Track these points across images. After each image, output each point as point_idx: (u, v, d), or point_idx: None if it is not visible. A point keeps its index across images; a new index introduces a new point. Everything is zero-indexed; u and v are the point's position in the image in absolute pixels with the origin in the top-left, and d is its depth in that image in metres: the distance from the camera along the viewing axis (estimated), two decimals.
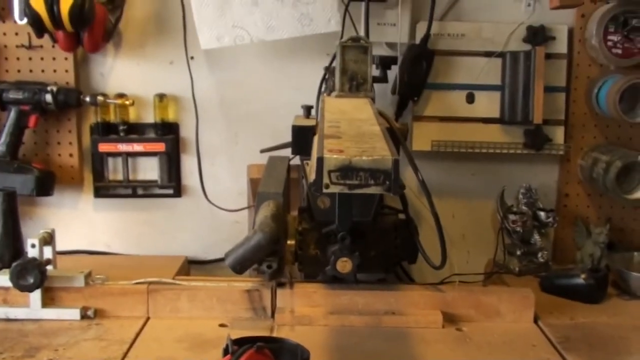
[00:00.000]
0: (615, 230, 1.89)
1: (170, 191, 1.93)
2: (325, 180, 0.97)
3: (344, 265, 1.37)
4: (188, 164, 1.94)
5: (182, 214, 1.96)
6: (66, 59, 1.84)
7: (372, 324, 1.46)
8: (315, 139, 1.26)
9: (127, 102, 1.84)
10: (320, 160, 0.97)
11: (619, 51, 1.81)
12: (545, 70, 1.79)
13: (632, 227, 1.93)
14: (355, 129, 1.18)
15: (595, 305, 1.62)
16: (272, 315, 1.49)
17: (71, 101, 1.81)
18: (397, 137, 1.46)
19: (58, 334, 1.39)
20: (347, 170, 0.97)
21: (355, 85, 1.58)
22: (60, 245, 1.62)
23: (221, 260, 1.62)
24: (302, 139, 1.46)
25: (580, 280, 1.65)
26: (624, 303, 1.65)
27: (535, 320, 1.51)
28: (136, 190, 1.93)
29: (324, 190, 0.98)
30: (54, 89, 1.79)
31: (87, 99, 1.81)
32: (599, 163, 1.81)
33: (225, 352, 1.09)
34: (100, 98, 1.82)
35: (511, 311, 1.51)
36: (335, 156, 0.97)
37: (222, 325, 1.45)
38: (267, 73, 1.90)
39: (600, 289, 1.65)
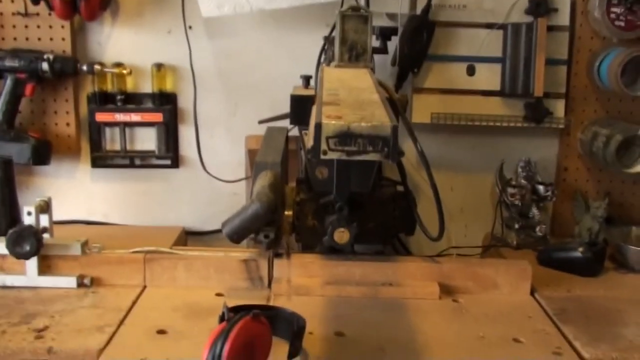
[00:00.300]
0: (614, 204, 1.89)
1: (168, 162, 1.92)
2: (324, 146, 0.97)
3: (341, 235, 1.37)
4: (186, 134, 1.92)
5: (179, 185, 1.95)
6: (63, 27, 1.82)
7: (369, 295, 1.46)
8: (314, 107, 1.25)
9: (124, 72, 1.83)
10: (318, 126, 0.96)
11: (622, 24, 1.79)
12: (547, 42, 1.77)
13: (631, 202, 1.93)
14: (354, 97, 1.17)
15: (593, 279, 1.62)
16: (269, 285, 1.49)
17: (68, 70, 1.79)
18: (397, 107, 1.45)
19: (54, 301, 1.39)
20: (345, 137, 0.96)
21: (354, 55, 1.56)
22: (58, 215, 1.61)
23: (219, 231, 1.62)
24: (300, 108, 1.45)
25: (578, 253, 1.65)
26: (621, 276, 1.65)
27: (532, 293, 1.51)
28: (134, 160, 1.92)
29: (322, 157, 0.97)
30: (51, 57, 1.77)
31: (84, 67, 1.80)
32: (599, 137, 1.80)
33: (222, 319, 1.08)
34: (97, 67, 1.80)
35: (508, 283, 1.51)
36: (333, 122, 0.96)
37: (218, 295, 1.45)
38: (266, 43, 1.89)
39: (597, 263, 1.65)
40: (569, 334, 1.32)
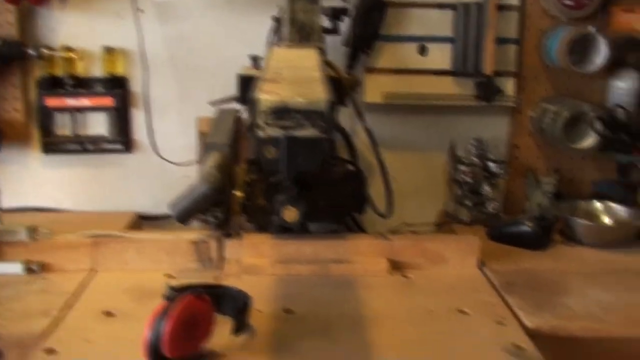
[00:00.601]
0: (563, 180, 1.92)
1: (120, 146, 1.90)
2: (260, 121, 0.97)
3: (290, 214, 1.37)
4: (138, 118, 1.91)
5: (132, 170, 1.94)
6: (10, 11, 1.79)
7: (320, 273, 1.47)
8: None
9: (73, 56, 1.81)
10: (254, 102, 0.96)
11: (571, 2, 1.81)
12: (497, 21, 1.79)
13: (579, 177, 1.96)
14: (296, 75, 1.17)
15: (541, 252, 1.66)
16: (220, 266, 1.49)
17: (14, 54, 1.76)
18: (343, 87, 1.46)
19: (3, 287, 1.38)
20: (281, 112, 0.96)
21: (304, 35, 1.56)
22: (9, 202, 1.60)
23: None
24: (247, 88, 1.44)
25: (527, 228, 1.68)
26: (568, 249, 1.68)
27: (481, 267, 1.54)
28: (85, 145, 1.90)
29: (259, 133, 0.97)
30: None
31: (32, 51, 1.77)
32: (547, 114, 1.83)
33: (165, 299, 1.09)
34: (45, 51, 1.78)
35: (457, 258, 1.53)
36: (269, 97, 0.96)
37: (168, 277, 1.45)
38: (217, 26, 1.88)
39: (545, 236, 1.68)
40: (514, 304, 1.35)
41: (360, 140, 1.81)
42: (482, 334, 1.22)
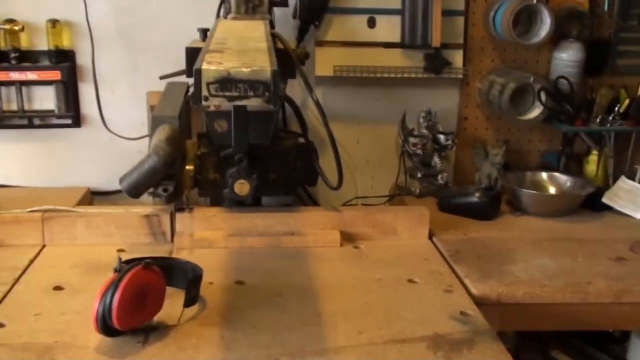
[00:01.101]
0: (511, 151, 1.96)
1: (69, 121, 1.88)
2: (204, 92, 0.97)
3: (242, 187, 1.38)
4: (86, 92, 1.88)
5: (82, 144, 1.91)
6: None
7: (272, 245, 1.49)
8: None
9: (16, 28, 1.77)
10: (197, 72, 0.96)
11: None
12: None
13: (527, 149, 2.00)
14: (241, 45, 1.17)
15: (489, 222, 1.70)
16: (172, 240, 1.49)
17: None
18: (292, 59, 1.46)
19: None
20: (225, 82, 0.96)
21: (251, 7, 1.56)
22: None
23: None
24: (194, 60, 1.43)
25: (475, 198, 1.71)
26: (515, 219, 1.73)
27: (430, 237, 1.57)
28: (32, 120, 1.86)
29: (203, 103, 0.97)
30: None
31: None
32: (494, 86, 1.86)
33: (115, 271, 1.09)
34: None
35: (407, 229, 1.56)
36: (213, 67, 0.96)
37: (120, 251, 1.45)
38: None
39: (493, 207, 1.72)
40: (461, 272, 1.38)
41: (311, 113, 1.82)
42: (430, 302, 1.25)
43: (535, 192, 1.79)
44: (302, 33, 1.83)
